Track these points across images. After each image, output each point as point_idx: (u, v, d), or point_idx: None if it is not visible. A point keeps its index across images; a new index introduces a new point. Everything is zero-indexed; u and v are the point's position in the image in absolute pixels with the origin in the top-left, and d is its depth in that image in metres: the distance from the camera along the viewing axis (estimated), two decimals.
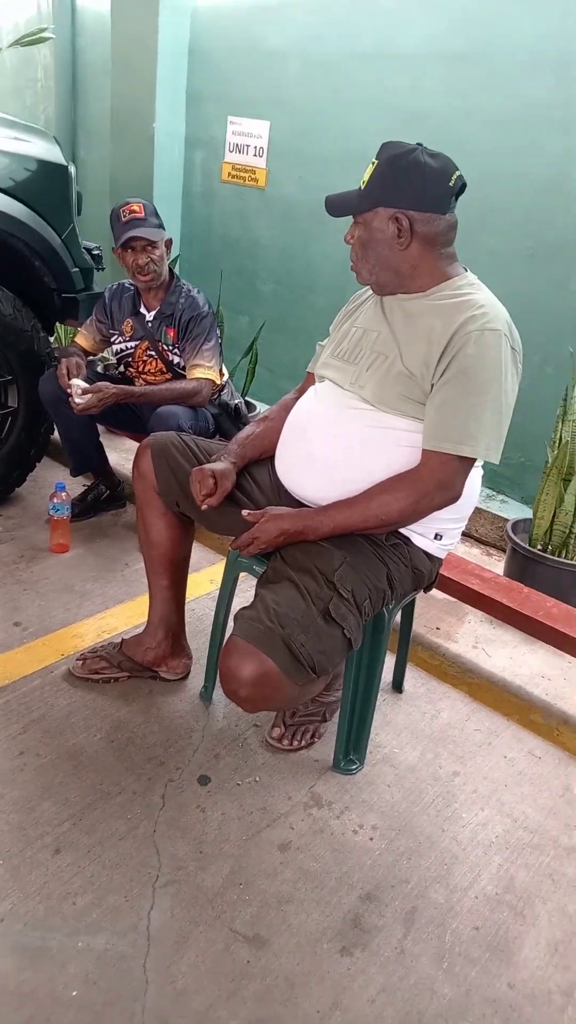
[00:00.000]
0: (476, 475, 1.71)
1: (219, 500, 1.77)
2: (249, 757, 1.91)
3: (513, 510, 3.12)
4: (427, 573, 1.76)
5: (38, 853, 1.59)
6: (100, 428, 2.93)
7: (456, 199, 1.60)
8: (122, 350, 2.78)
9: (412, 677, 2.28)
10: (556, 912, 1.61)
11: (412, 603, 2.10)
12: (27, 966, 1.38)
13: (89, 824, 1.67)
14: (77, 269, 2.94)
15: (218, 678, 1.57)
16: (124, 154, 4.22)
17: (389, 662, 2.18)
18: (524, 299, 2.92)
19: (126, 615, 2.42)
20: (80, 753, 1.86)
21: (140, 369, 2.77)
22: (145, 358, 2.74)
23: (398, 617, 2.09)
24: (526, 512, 2.96)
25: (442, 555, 1.79)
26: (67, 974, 1.37)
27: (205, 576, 2.68)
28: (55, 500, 2.67)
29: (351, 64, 3.38)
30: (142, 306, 2.71)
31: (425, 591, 1.88)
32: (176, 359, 2.70)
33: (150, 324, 2.69)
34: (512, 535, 2.65)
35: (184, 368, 2.68)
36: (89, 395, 2.47)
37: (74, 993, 1.34)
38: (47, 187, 2.78)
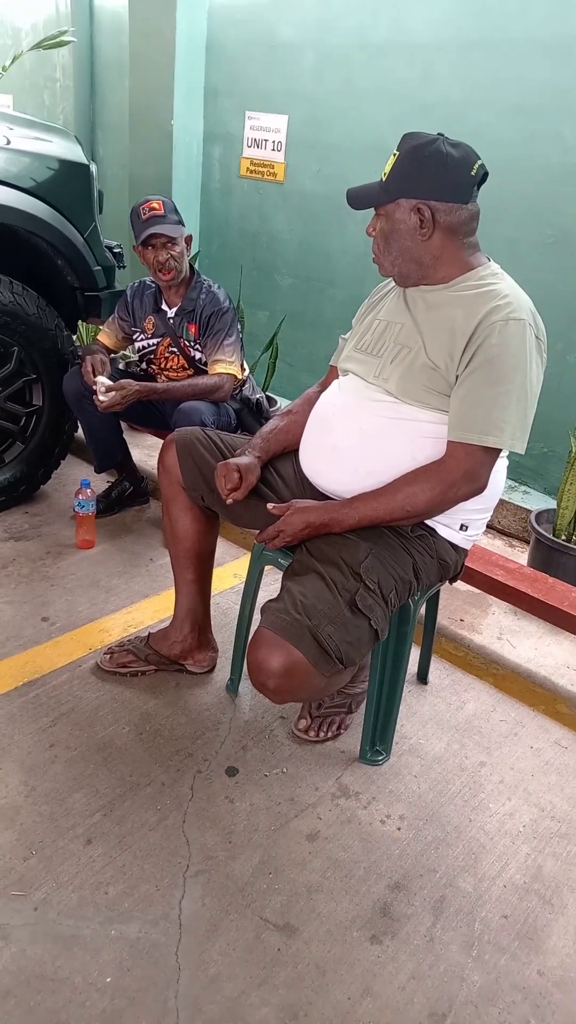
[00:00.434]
0: (502, 465, 1.71)
1: (244, 494, 1.78)
2: (276, 748, 1.93)
3: (536, 501, 3.10)
4: (452, 564, 1.76)
5: (70, 843, 1.62)
6: (123, 425, 2.96)
7: (478, 188, 1.60)
8: (144, 347, 2.80)
9: (437, 668, 2.28)
10: None
11: (437, 595, 2.10)
12: (61, 953, 1.40)
13: (120, 815, 1.69)
14: (99, 267, 2.96)
15: (245, 670, 1.59)
16: (143, 151, 4.24)
17: (414, 654, 2.19)
18: (544, 288, 2.89)
19: (152, 609, 2.44)
20: (109, 745, 1.88)
21: (162, 366, 2.79)
22: (167, 355, 2.76)
23: (423, 609, 2.09)
24: (549, 503, 2.95)
25: (467, 546, 1.79)
26: (101, 961, 1.40)
27: (229, 570, 2.69)
28: (80, 497, 2.70)
29: (365, 55, 3.37)
30: (164, 303, 2.73)
31: (451, 582, 1.88)
32: (198, 355, 2.72)
33: (172, 321, 2.71)
34: (536, 526, 2.64)
35: (206, 364, 2.69)
36: (113, 393, 2.49)
37: (108, 979, 1.37)
38: (69, 186, 2.81)
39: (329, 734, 1.97)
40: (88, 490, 2.71)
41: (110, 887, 1.53)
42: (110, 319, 2.86)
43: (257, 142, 3.89)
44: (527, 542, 2.92)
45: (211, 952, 1.43)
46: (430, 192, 1.56)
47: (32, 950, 1.40)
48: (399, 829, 1.74)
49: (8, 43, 5.14)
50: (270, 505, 1.71)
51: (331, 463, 1.73)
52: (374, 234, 1.66)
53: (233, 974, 1.40)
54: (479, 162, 1.57)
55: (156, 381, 2.81)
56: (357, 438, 1.68)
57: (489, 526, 3.15)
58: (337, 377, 1.84)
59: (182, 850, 1.63)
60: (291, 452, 1.91)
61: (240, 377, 2.71)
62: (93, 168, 2.89)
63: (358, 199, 1.65)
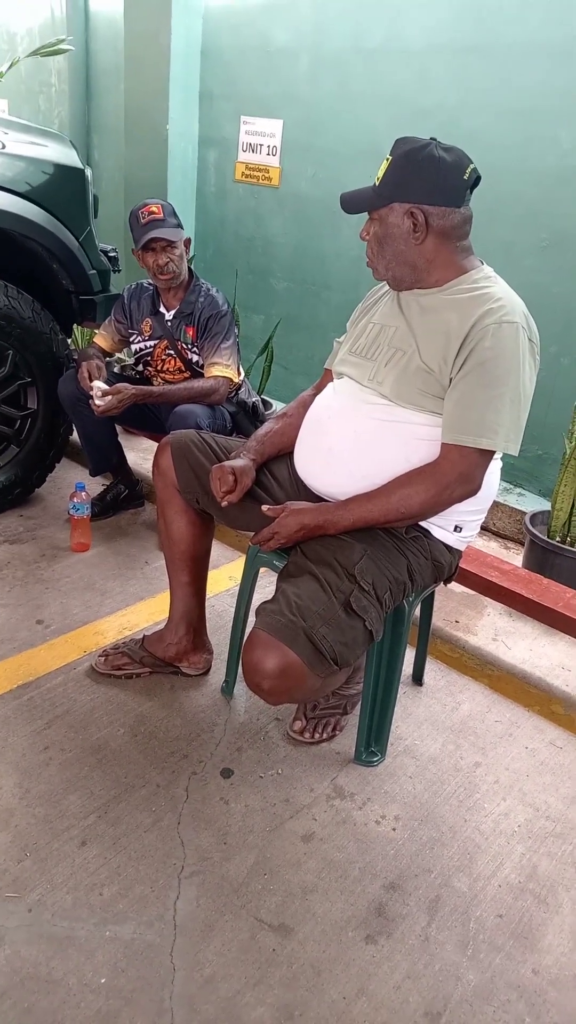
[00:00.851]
0: (496, 467, 1.72)
1: (239, 496, 1.79)
2: (271, 750, 1.93)
3: (531, 503, 3.11)
4: (447, 565, 1.77)
5: (65, 845, 1.62)
6: (118, 428, 2.96)
7: (471, 192, 1.61)
8: (141, 349, 2.80)
9: (432, 670, 2.29)
10: None
11: (431, 596, 2.11)
12: (56, 954, 1.40)
13: (114, 816, 1.70)
14: (94, 271, 2.97)
15: (240, 671, 1.59)
16: (138, 156, 4.25)
17: (409, 655, 2.20)
18: (539, 291, 2.91)
19: (147, 612, 2.45)
20: (104, 747, 1.88)
21: (159, 368, 2.80)
22: (164, 357, 2.77)
23: (417, 610, 2.10)
24: (544, 505, 2.96)
25: (462, 547, 1.80)
26: (95, 962, 1.40)
27: (224, 573, 2.70)
28: (75, 500, 2.70)
29: (359, 60, 3.39)
30: (161, 305, 2.74)
31: (445, 583, 1.89)
32: (195, 358, 2.73)
33: (169, 323, 2.72)
34: (530, 527, 2.65)
35: (202, 366, 2.70)
36: (109, 397, 2.50)
37: (103, 980, 1.37)
38: (64, 190, 2.81)
39: (324, 735, 1.97)
40: (83, 493, 2.71)
41: (105, 888, 1.53)
42: (107, 321, 2.87)
43: (252, 146, 3.91)
44: (522, 544, 2.93)
45: (206, 952, 1.43)
46: (423, 196, 1.57)
47: (27, 951, 1.40)
48: (394, 830, 1.74)
49: (3, 48, 5.16)
50: (265, 507, 1.71)
51: (326, 465, 1.74)
52: (368, 238, 1.67)
53: (228, 974, 1.40)
54: (472, 166, 1.58)
55: (152, 384, 2.82)
56: (352, 441, 1.69)
57: (484, 528, 3.16)
58: (332, 380, 1.84)
59: (177, 851, 1.63)
60: (286, 455, 1.91)
61: (236, 380, 2.72)
62: (88, 172, 2.90)
63: (351, 203, 1.66)
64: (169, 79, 3.97)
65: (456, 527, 1.73)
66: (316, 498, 1.78)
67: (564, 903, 1.61)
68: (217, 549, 2.50)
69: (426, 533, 1.71)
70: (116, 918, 1.48)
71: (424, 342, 1.61)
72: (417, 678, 2.23)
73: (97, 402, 2.49)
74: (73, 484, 2.75)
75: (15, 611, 2.38)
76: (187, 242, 2.65)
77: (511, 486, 3.26)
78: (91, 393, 2.52)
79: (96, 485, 3.12)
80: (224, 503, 1.79)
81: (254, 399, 2.87)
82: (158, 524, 2.08)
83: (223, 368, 2.65)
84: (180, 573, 2.05)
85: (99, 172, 4.84)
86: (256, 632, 1.52)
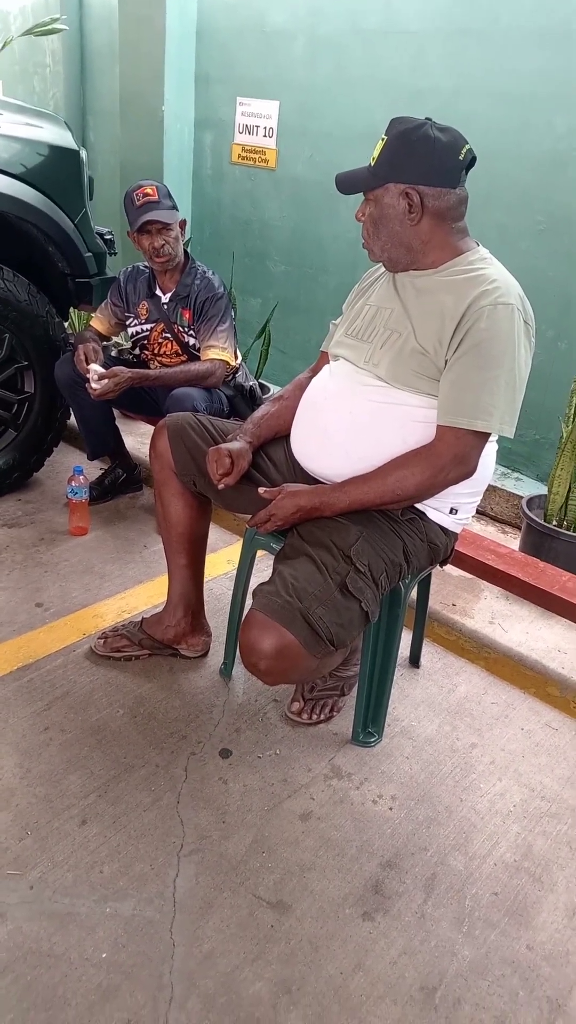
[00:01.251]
0: (491, 449, 1.72)
1: (236, 479, 1.79)
2: (269, 731, 1.95)
3: (528, 487, 3.12)
4: (443, 547, 1.78)
5: (65, 824, 1.64)
6: (116, 412, 2.96)
7: (466, 173, 1.60)
8: (137, 332, 2.80)
9: (429, 652, 2.30)
10: (573, 878, 1.63)
11: (428, 579, 2.12)
12: (57, 930, 1.42)
13: (114, 796, 1.71)
14: (90, 254, 2.95)
15: (238, 653, 1.61)
16: (133, 138, 4.22)
17: (406, 638, 2.21)
18: (535, 274, 2.91)
19: (146, 595, 2.46)
20: (104, 728, 1.90)
21: (156, 351, 2.79)
22: (161, 340, 2.76)
23: (414, 593, 2.11)
24: (541, 489, 2.97)
25: (457, 529, 1.80)
26: (96, 938, 1.42)
27: (222, 556, 2.71)
28: (73, 484, 2.71)
29: (356, 41, 3.36)
30: (158, 288, 2.73)
31: (441, 565, 1.90)
32: (192, 340, 2.72)
33: (166, 306, 2.71)
34: (527, 511, 2.66)
35: (199, 349, 2.70)
36: (105, 380, 2.49)
37: (104, 955, 1.39)
38: (59, 172, 2.80)
39: (322, 716, 1.99)
40: (81, 477, 2.71)
41: (105, 866, 1.55)
42: (103, 305, 2.86)
43: (248, 128, 3.88)
44: (519, 529, 2.94)
45: (205, 929, 1.45)
46: (418, 177, 1.57)
47: (28, 927, 1.42)
48: (391, 809, 1.76)
49: None
50: (261, 489, 1.72)
51: (322, 447, 1.74)
52: (363, 219, 1.67)
53: (227, 950, 1.42)
54: (467, 146, 1.57)
55: (149, 367, 2.81)
56: (348, 423, 1.69)
57: (481, 512, 3.17)
58: (328, 362, 1.84)
59: (176, 830, 1.65)
60: (282, 437, 1.92)
61: (233, 363, 2.72)
62: (83, 154, 2.88)
63: (347, 184, 1.65)
64: (164, 61, 3.93)
65: (452, 509, 1.74)
66: (312, 480, 1.78)
67: (558, 881, 1.63)
68: (215, 532, 2.51)
69: (422, 515, 1.72)
70: (116, 895, 1.50)
71: (419, 324, 1.61)
72: (414, 660, 2.25)
73: (93, 385, 2.49)
74: (71, 468, 2.76)
75: (14, 594, 2.39)
76: (183, 224, 2.64)
77: (508, 471, 3.26)
78: (88, 376, 2.52)
79: (94, 469, 3.12)
80: (221, 486, 1.79)
81: (251, 383, 2.87)
82: (156, 507, 2.08)
83: (219, 351, 2.64)
84: (178, 556, 2.06)
85: (95, 154, 4.81)
86: (253, 613, 1.53)
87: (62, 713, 1.93)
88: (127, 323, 2.82)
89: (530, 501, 2.74)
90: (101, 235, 3.05)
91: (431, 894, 1.57)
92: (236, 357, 2.76)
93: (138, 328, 2.79)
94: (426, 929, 1.50)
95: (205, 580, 2.16)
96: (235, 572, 2.09)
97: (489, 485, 3.01)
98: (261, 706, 2.03)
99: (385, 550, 1.64)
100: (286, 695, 2.05)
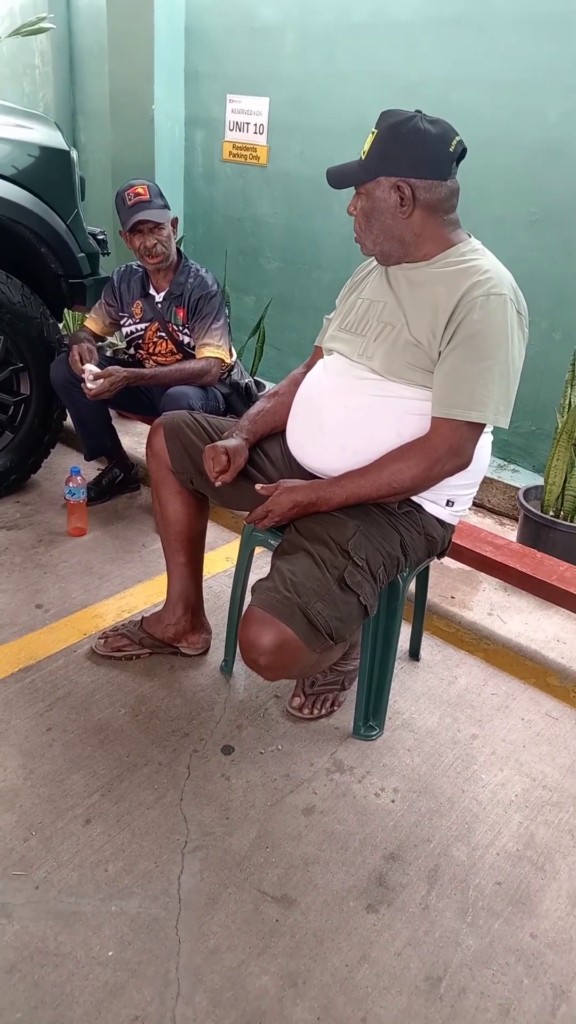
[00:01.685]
0: (486, 440, 1.72)
1: (232, 476, 1.80)
2: (271, 727, 1.95)
3: (525, 479, 3.13)
4: (440, 540, 1.79)
5: (69, 824, 1.64)
6: (112, 412, 2.96)
7: (457, 165, 1.61)
8: (132, 332, 2.80)
9: (429, 645, 2.31)
10: None
11: (426, 572, 2.13)
12: (63, 929, 1.43)
13: (118, 795, 1.72)
14: (83, 254, 2.95)
15: (238, 649, 1.61)
16: (124, 137, 4.22)
17: (405, 631, 2.22)
18: (530, 265, 2.91)
19: (145, 594, 2.46)
20: (106, 728, 1.90)
21: (151, 351, 2.79)
22: (155, 339, 2.76)
23: (413, 586, 2.12)
24: (537, 480, 2.97)
25: (454, 521, 1.81)
26: (102, 936, 1.42)
27: (221, 554, 2.71)
28: (71, 484, 2.71)
29: (346, 35, 3.36)
30: (151, 287, 2.73)
31: (438, 558, 1.90)
32: (186, 339, 2.72)
33: (160, 305, 2.71)
34: (524, 502, 2.67)
35: (194, 348, 2.70)
36: (101, 380, 2.50)
37: (110, 953, 1.39)
38: (50, 173, 2.80)
39: (323, 711, 1.99)
40: (78, 478, 2.71)
41: (110, 864, 1.56)
42: (96, 305, 2.86)
43: (239, 125, 3.88)
44: (516, 520, 2.94)
45: (210, 924, 1.46)
46: (409, 169, 1.57)
47: (34, 927, 1.42)
48: (393, 801, 1.77)
49: None
50: (258, 486, 1.72)
51: (318, 442, 1.74)
52: (355, 213, 1.67)
53: (233, 945, 1.43)
54: (457, 138, 1.58)
55: (144, 366, 2.81)
56: (343, 417, 1.69)
57: (479, 505, 3.18)
58: (322, 357, 1.85)
59: (180, 827, 1.65)
60: (278, 433, 1.92)
61: (228, 361, 2.72)
62: (74, 154, 2.88)
63: (338, 178, 1.65)
64: (154, 59, 3.93)
65: (448, 501, 1.74)
66: (309, 476, 1.79)
67: (561, 870, 1.63)
68: (214, 530, 2.51)
69: (418, 508, 1.72)
70: (122, 893, 1.50)
71: (413, 316, 1.62)
72: (414, 653, 2.25)
73: (89, 385, 2.49)
74: (68, 469, 2.76)
75: (14, 596, 2.39)
76: (174, 222, 2.64)
77: (505, 462, 3.27)
78: (83, 376, 2.52)
79: (91, 470, 3.12)
80: (218, 483, 1.79)
81: (247, 380, 2.87)
82: (153, 506, 2.09)
83: (214, 349, 2.64)
84: (177, 554, 2.06)
85: (86, 154, 4.81)
86: (252, 609, 1.54)
87: (64, 713, 1.94)
88: (121, 323, 2.81)
89: (527, 492, 2.75)
90: (94, 235, 3.05)
91: (434, 885, 1.58)
92: (231, 355, 2.76)
93: (132, 328, 2.79)
94: (430, 920, 1.51)
95: (204, 578, 2.16)
96: (234, 569, 2.10)
97: (486, 477, 3.02)
98: (262, 702, 2.03)
99: (383, 544, 1.64)
100: (287, 691, 2.05)
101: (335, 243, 3.65)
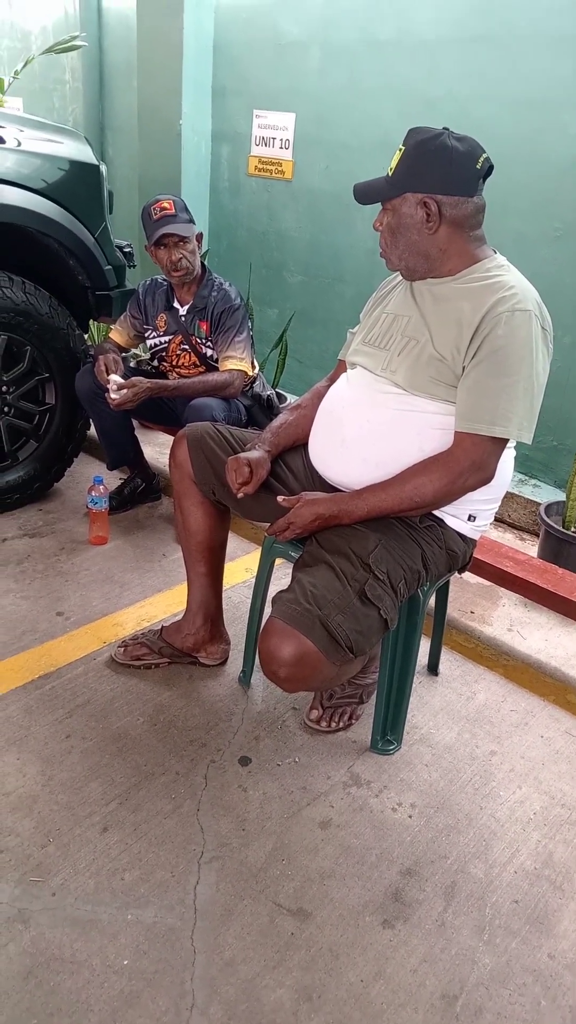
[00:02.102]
0: (509, 456, 1.72)
1: (255, 488, 1.81)
2: (288, 739, 1.95)
3: (546, 494, 3.11)
4: (461, 554, 1.78)
5: (87, 831, 1.65)
6: (135, 422, 2.99)
7: (484, 181, 1.62)
8: (156, 344, 2.83)
9: (447, 660, 2.30)
10: None
11: (446, 586, 2.12)
12: (79, 937, 1.43)
13: (135, 803, 1.72)
14: (110, 267, 2.99)
15: (257, 660, 1.61)
16: (151, 152, 4.27)
17: (424, 645, 2.21)
18: (552, 281, 2.91)
19: (165, 603, 2.47)
20: (124, 736, 1.91)
21: (174, 363, 2.82)
22: (179, 352, 2.79)
23: (433, 600, 2.11)
24: (559, 496, 2.96)
25: (476, 536, 1.80)
26: (118, 944, 1.42)
27: (241, 565, 2.72)
28: (93, 493, 2.73)
29: (370, 52, 3.39)
30: (175, 301, 2.76)
31: (459, 573, 1.90)
32: (210, 352, 2.74)
33: (183, 318, 2.74)
34: (545, 517, 2.66)
35: (217, 361, 2.72)
36: (125, 390, 2.52)
37: (125, 962, 1.39)
38: (80, 187, 2.84)
39: (341, 724, 1.99)
40: (101, 487, 2.74)
41: (126, 873, 1.56)
42: (122, 317, 2.89)
43: (265, 140, 3.92)
44: (537, 536, 2.93)
45: (226, 936, 1.46)
46: (436, 186, 1.58)
47: (51, 934, 1.43)
48: (410, 817, 1.76)
49: (18, 46, 5.19)
50: (280, 498, 1.73)
51: (340, 456, 1.75)
52: (381, 228, 1.68)
53: (248, 957, 1.43)
54: (484, 155, 1.59)
55: (168, 378, 2.84)
56: (366, 430, 1.70)
57: (500, 519, 3.17)
58: (345, 371, 1.86)
59: (196, 837, 1.65)
60: (300, 445, 1.93)
61: (251, 374, 2.74)
62: (103, 168, 2.92)
63: (364, 194, 1.67)
64: (182, 75, 3.98)
65: (470, 516, 1.74)
66: (330, 488, 1.79)
67: None
68: (233, 541, 2.52)
69: (440, 522, 1.72)
70: (138, 902, 1.51)
71: (437, 331, 1.62)
72: (433, 668, 2.24)
73: (112, 395, 2.52)
74: (91, 478, 2.79)
75: (36, 603, 2.42)
76: (199, 237, 2.67)
77: (526, 477, 3.25)
78: (107, 386, 2.55)
79: (113, 479, 3.15)
80: (240, 494, 1.80)
81: (269, 392, 2.89)
82: (175, 516, 2.10)
83: (237, 361, 2.66)
84: (197, 564, 2.08)
85: (113, 169, 4.86)
86: (272, 621, 1.54)
87: (83, 721, 1.95)
88: (146, 335, 2.85)
89: (548, 508, 2.74)
90: (120, 248, 3.09)
91: (451, 902, 1.56)
92: (254, 367, 2.78)
93: (156, 340, 2.81)
94: (447, 937, 1.49)
95: (224, 588, 2.17)
96: (254, 580, 2.10)
97: (507, 492, 3.01)
98: (280, 714, 2.03)
99: (404, 557, 1.65)
100: (305, 703, 2.05)
101: (358, 257, 3.67)
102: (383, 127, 3.38)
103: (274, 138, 3.88)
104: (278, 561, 2.03)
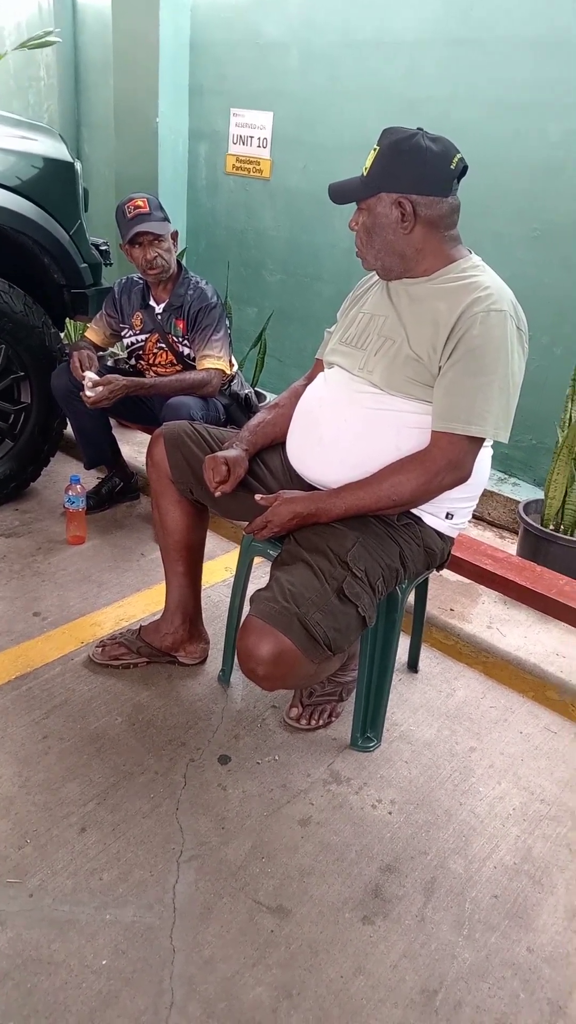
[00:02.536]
0: (486, 454, 1.73)
1: (232, 487, 1.80)
2: (268, 737, 1.95)
3: (525, 492, 3.14)
4: (439, 552, 1.79)
5: (64, 832, 1.64)
6: (112, 421, 2.97)
7: (458, 182, 1.62)
8: (132, 343, 2.81)
9: (427, 657, 2.31)
10: (573, 880, 1.64)
11: (425, 584, 2.13)
12: (57, 937, 1.42)
13: (113, 803, 1.71)
14: (86, 264, 2.97)
15: (236, 658, 1.61)
16: (128, 149, 4.25)
17: (404, 643, 2.22)
18: (531, 281, 2.94)
19: (143, 603, 2.46)
20: (102, 736, 1.90)
21: (151, 362, 2.80)
22: (155, 350, 2.78)
23: (412, 598, 2.12)
24: (538, 494, 2.98)
25: (453, 534, 1.81)
26: (96, 944, 1.42)
27: (220, 564, 2.72)
28: (70, 493, 2.71)
29: (349, 53, 3.39)
30: (151, 299, 2.74)
31: (437, 570, 1.91)
32: (186, 350, 2.74)
33: (159, 316, 2.73)
34: (524, 516, 2.67)
35: (194, 359, 2.71)
36: (100, 388, 2.51)
37: (104, 962, 1.39)
38: (54, 184, 2.82)
39: (320, 722, 1.99)
40: (78, 486, 2.72)
41: (104, 873, 1.55)
42: (97, 316, 2.88)
43: (242, 139, 3.91)
44: (516, 533, 2.95)
45: (205, 934, 1.46)
46: (411, 186, 1.58)
47: (28, 935, 1.42)
48: (390, 813, 1.76)
49: None
50: (258, 496, 1.73)
51: (317, 455, 1.75)
52: (356, 228, 1.68)
53: (227, 955, 1.42)
54: (459, 155, 1.59)
55: (144, 377, 2.83)
56: (343, 430, 1.70)
57: (479, 518, 3.19)
58: (323, 370, 1.86)
59: (175, 836, 1.65)
60: (278, 444, 1.93)
61: (228, 372, 2.73)
62: (78, 166, 2.90)
63: (340, 194, 1.67)
64: (158, 73, 3.96)
65: (447, 514, 1.75)
66: (308, 487, 1.79)
67: (558, 884, 1.63)
68: (213, 540, 2.52)
69: (418, 520, 1.73)
70: (116, 902, 1.50)
71: (413, 331, 1.63)
72: (412, 665, 2.25)
73: (88, 392, 2.51)
74: (68, 477, 2.77)
75: (12, 604, 2.39)
76: (175, 235, 2.66)
77: (505, 476, 3.28)
78: (82, 382, 2.53)
79: (91, 478, 3.13)
80: (217, 493, 1.80)
81: (247, 391, 2.88)
82: (153, 515, 2.09)
83: (214, 360, 2.66)
84: (175, 563, 2.07)
85: (89, 166, 4.84)
86: (250, 619, 1.54)
87: (61, 721, 1.93)
88: (122, 334, 2.83)
89: (527, 506, 2.76)
90: (96, 246, 3.07)
91: (431, 898, 1.57)
92: (231, 366, 2.78)
93: (133, 339, 2.80)
94: (426, 932, 1.50)
95: (203, 587, 2.17)
96: (233, 579, 2.10)
97: (486, 490, 3.03)
98: (260, 712, 2.03)
99: (382, 555, 1.65)
100: (284, 701, 2.05)
101: (336, 256, 3.68)
102: (362, 127, 3.39)
103: (251, 137, 3.87)
104: (257, 560, 2.02)
